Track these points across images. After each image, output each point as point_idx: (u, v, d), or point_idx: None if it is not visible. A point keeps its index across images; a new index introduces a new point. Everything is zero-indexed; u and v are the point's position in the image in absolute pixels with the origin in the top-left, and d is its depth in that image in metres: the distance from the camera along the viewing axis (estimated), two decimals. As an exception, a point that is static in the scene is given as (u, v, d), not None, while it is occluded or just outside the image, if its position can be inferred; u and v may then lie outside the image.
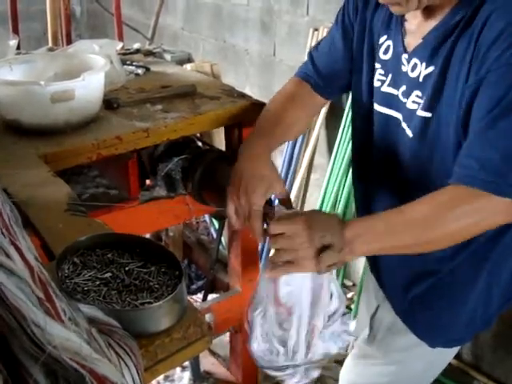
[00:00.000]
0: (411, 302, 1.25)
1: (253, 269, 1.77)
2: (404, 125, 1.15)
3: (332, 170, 2.47)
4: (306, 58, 1.40)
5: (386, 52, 1.19)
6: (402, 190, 1.19)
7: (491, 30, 0.98)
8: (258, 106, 1.57)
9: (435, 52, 1.07)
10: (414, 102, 1.12)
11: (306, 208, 2.76)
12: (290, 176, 2.70)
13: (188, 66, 1.97)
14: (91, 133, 1.36)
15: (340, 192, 2.45)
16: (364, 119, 1.26)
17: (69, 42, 2.47)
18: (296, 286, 1.07)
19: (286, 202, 1.20)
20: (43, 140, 1.31)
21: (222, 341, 2.15)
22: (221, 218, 1.95)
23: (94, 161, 1.36)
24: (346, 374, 1.46)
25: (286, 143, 2.59)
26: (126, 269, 0.84)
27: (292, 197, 2.71)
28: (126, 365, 0.65)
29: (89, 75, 1.35)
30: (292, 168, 2.69)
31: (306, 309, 1.08)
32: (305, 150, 2.61)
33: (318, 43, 1.37)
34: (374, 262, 1.35)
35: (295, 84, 1.35)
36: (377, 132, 1.23)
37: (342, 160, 2.41)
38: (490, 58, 0.97)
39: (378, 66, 1.21)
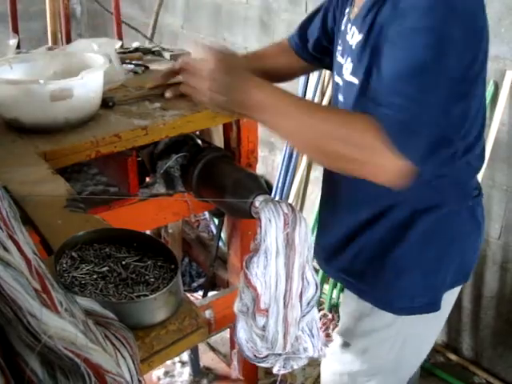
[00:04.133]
0: (357, 257, 1.26)
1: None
2: (341, 91, 1.21)
3: (331, 167, 2.48)
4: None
5: (343, 24, 1.23)
6: None
7: None
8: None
9: (364, 19, 1.09)
10: (346, 68, 1.16)
11: (307, 205, 2.76)
12: (289, 173, 2.70)
13: (187, 65, 1.98)
14: (90, 131, 1.37)
15: (339, 189, 2.45)
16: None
17: (68, 41, 2.47)
18: (270, 275, 1.08)
19: None
20: (42, 138, 1.32)
21: (222, 337, 2.16)
22: (220, 215, 1.97)
23: (93, 159, 1.37)
24: (326, 362, 1.46)
25: (286, 142, 2.60)
26: (123, 263, 0.85)
27: (292, 194, 2.72)
28: (123, 356, 0.66)
29: (87, 74, 1.36)
30: (292, 165, 2.70)
31: (280, 300, 1.09)
32: (304, 147, 2.62)
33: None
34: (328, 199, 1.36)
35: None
36: (333, 101, 1.28)
37: (341, 157, 2.41)
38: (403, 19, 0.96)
39: (339, 40, 1.26)
